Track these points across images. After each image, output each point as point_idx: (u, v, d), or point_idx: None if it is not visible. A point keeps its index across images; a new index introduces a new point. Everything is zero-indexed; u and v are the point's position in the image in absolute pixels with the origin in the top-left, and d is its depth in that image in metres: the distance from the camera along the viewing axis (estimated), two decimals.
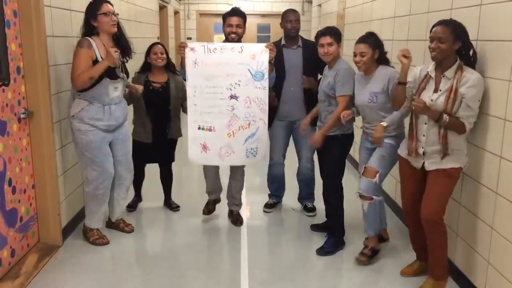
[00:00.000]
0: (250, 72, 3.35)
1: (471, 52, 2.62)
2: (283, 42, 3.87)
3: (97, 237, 3.47)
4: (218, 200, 3.99)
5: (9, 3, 2.91)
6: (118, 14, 3.27)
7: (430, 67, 2.72)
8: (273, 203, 4.22)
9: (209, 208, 3.91)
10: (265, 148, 3.56)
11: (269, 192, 4.27)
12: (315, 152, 3.78)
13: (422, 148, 2.72)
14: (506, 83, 2.45)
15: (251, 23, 10.45)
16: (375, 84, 3.10)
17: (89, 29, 3.19)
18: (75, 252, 3.34)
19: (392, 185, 4.25)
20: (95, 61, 3.13)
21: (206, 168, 3.82)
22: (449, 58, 2.59)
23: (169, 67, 3.89)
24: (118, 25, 3.28)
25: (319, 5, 8.52)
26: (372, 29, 4.95)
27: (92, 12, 3.15)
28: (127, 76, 3.46)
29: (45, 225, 3.34)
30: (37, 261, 3.14)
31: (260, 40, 10.34)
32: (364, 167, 3.19)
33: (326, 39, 3.23)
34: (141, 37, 5.96)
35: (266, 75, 3.36)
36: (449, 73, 2.59)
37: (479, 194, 2.73)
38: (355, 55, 3.10)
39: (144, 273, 3.11)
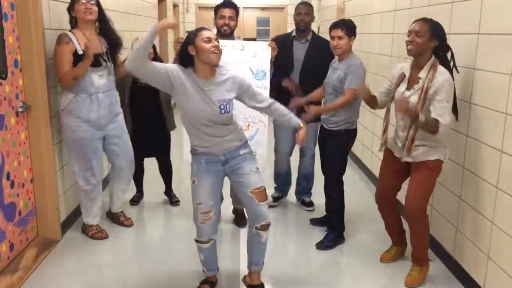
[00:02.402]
0: (252, 70, 3.29)
1: (449, 55, 2.66)
2: (294, 33, 3.84)
3: (96, 232, 3.46)
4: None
5: None
6: (96, 3, 3.19)
7: (407, 65, 2.79)
8: (278, 196, 4.20)
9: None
10: (265, 155, 3.46)
11: (275, 185, 4.24)
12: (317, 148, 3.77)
13: (401, 142, 2.79)
14: (508, 77, 2.44)
15: (251, 17, 10.39)
16: (226, 89, 2.51)
17: (70, 18, 3.20)
18: (74, 246, 3.34)
19: None
20: (75, 54, 3.11)
21: None
22: (425, 55, 2.65)
23: (156, 59, 3.85)
24: (103, 17, 3.25)
25: None
26: (372, 23, 4.97)
27: (71, 3, 3.15)
28: (114, 65, 3.41)
29: (43, 219, 3.33)
30: (36, 255, 3.13)
31: (259, 33, 10.28)
32: (254, 191, 2.59)
33: (337, 32, 3.16)
34: (139, 31, 5.91)
35: (268, 74, 3.29)
36: (422, 73, 2.65)
37: (479, 189, 2.72)
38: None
39: (143, 268, 3.11)
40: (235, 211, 3.88)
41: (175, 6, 9.50)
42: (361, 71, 3.20)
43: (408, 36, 2.67)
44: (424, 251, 2.91)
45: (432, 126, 2.58)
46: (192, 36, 2.45)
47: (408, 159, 2.77)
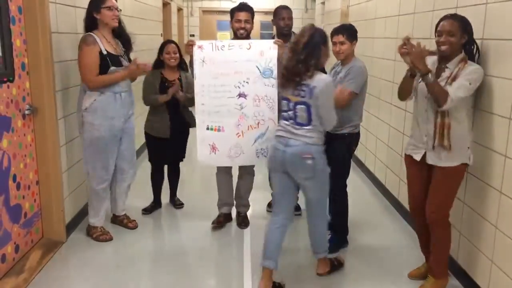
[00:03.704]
0: (259, 69, 3.30)
1: (474, 48, 2.62)
2: (276, 39, 3.80)
3: (100, 233, 3.48)
4: (229, 216, 3.86)
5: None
6: (121, 10, 3.31)
7: (434, 58, 2.72)
8: None
9: (220, 221, 3.77)
10: None
11: (272, 191, 4.24)
12: None
13: (425, 136, 2.70)
14: (511, 82, 2.45)
15: (254, 21, 10.38)
16: None
17: (91, 22, 3.23)
18: (79, 248, 3.36)
19: (395, 185, 4.25)
20: (100, 53, 3.19)
21: (220, 181, 3.75)
22: (456, 51, 2.59)
23: (181, 65, 3.88)
24: (119, 20, 3.32)
25: (323, 3, 8.50)
26: (376, 27, 4.98)
27: (96, 5, 3.19)
28: None
29: (49, 221, 3.35)
30: (41, 257, 3.15)
31: (263, 37, 10.28)
32: None
33: (339, 38, 3.17)
34: (144, 34, 5.95)
35: (275, 72, 3.27)
36: (451, 64, 2.59)
37: (483, 193, 2.72)
38: None
39: (147, 270, 3.12)
40: (237, 215, 3.90)
41: (179, 10, 9.55)
42: (361, 74, 3.19)
43: (439, 36, 2.59)
44: (441, 263, 2.81)
45: (440, 94, 2.49)
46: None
47: (430, 161, 2.69)
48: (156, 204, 4.13)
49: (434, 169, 2.70)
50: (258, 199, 4.37)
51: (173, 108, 3.81)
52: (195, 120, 3.86)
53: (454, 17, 2.58)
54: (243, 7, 3.52)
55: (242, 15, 3.49)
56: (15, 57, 2.93)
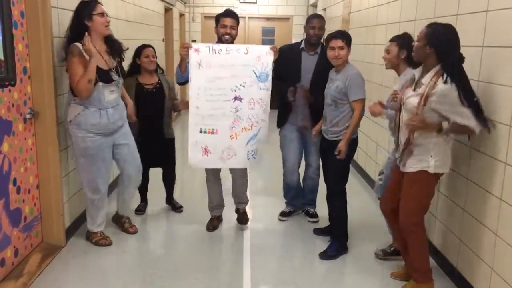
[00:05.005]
0: (255, 73, 3.34)
1: (453, 65, 2.50)
2: (302, 45, 3.79)
3: (100, 238, 3.48)
4: (221, 217, 3.95)
5: (16, 4, 2.93)
6: (108, 15, 3.24)
7: (420, 68, 2.71)
8: (289, 211, 4.14)
9: (214, 224, 3.84)
10: (261, 151, 3.50)
11: (285, 201, 4.16)
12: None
13: (401, 147, 2.76)
14: (511, 89, 2.45)
15: (256, 27, 10.46)
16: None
17: (80, 29, 3.10)
18: (78, 252, 3.35)
19: None
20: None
21: (209, 185, 3.79)
22: (427, 60, 2.58)
23: (157, 68, 3.89)
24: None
25: (324, 10, 8.53)
26: (377, 34, 5.00)
27: (87, 12, 3.09)
28: (124, 77, 3.46)
29: (48, 225, 3.35)
30: (40, 261, 3.15)
31: (264, 43, 10.34)
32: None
33: (337, 43, 3.19)
34: (146, 39, 5.97)
35: (270, 77, 3.35)
36: (426, 79, 2.58)
37: (483, 200, 2.72)
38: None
39: (146, 275, 3.11)
40: (236, 211, 3.91)
41: (181, 15, 9.59)
42: (361, 81, 3.24)
43: None
44: (418, 266, 2.82)
45: (465, 132, 2.58)
46: None
47: (401, 167, 2.75)
48: (145, 203, 4.20)
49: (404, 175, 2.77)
50: (258, 203, 4.38)
51: (149, 116, 3.76)
52: (171, 131, 3.96)
53: (428, 25, 2.59)
54: (229, 14, 3.57)
55: (228, 21, 3.53)
56: (17, 61, 2.95)
